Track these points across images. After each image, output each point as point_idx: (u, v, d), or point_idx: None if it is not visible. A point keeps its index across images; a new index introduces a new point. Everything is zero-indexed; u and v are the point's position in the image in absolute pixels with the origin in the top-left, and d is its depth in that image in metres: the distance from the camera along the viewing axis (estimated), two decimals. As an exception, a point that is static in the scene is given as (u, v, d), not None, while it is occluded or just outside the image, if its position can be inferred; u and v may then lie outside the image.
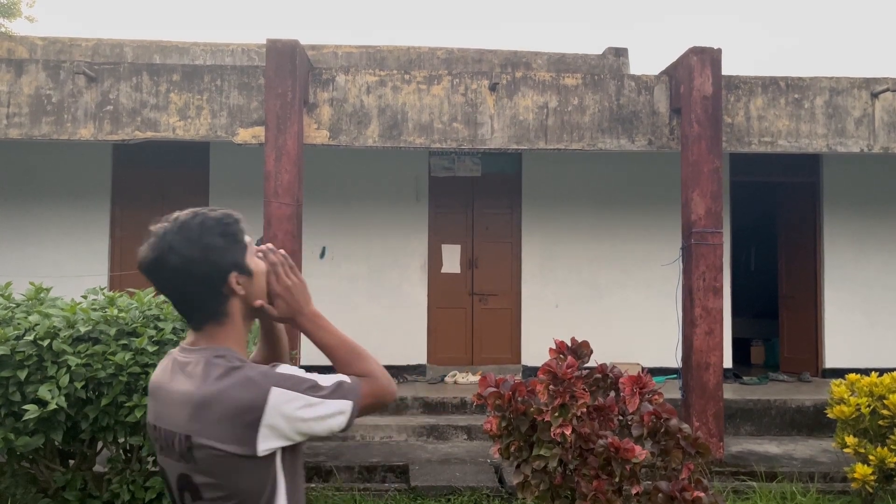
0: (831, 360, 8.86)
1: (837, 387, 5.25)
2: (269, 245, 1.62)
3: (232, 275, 1.54)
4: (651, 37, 39.95)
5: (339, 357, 1.60)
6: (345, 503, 5.47)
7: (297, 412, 1.47)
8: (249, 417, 1.43)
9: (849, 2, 38.38)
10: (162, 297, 4.31)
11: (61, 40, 9.49)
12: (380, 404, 1.59)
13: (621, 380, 3.39)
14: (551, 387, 3.27)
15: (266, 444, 1.45)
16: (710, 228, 6.52)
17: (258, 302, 1.58)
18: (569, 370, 3.26)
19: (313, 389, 1.50)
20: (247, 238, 1.59)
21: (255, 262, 1.59)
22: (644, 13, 41.78)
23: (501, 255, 8.98)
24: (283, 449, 1.51)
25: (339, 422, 1.52)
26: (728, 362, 8.29)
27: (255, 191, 7.22)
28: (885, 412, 4.95)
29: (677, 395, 6.69)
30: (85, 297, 4.26)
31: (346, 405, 1.53)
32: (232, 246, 1.55)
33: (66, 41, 9.47)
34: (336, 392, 1.52)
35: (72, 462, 4.16)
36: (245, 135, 6.78)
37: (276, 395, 1.45)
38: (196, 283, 1.52)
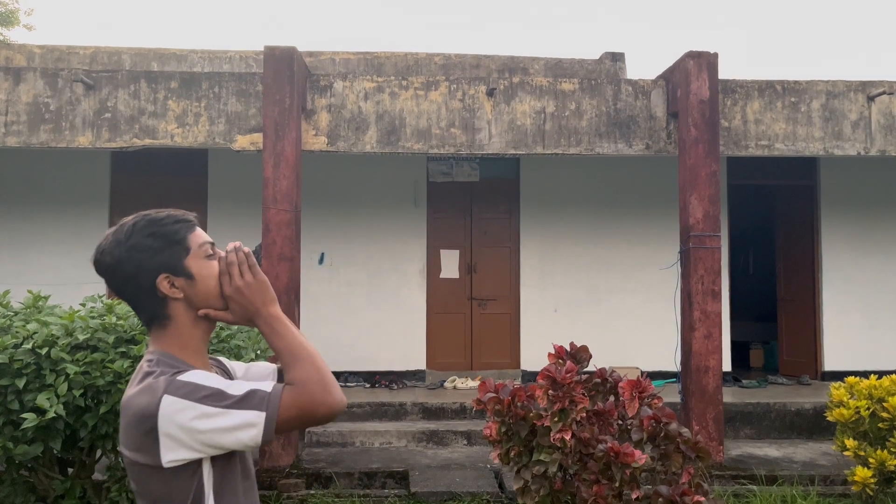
0: (830, 363, 8.86)
1: (837, 390, 5.25)
2: (236, 244, 1.54)
3: (161, 276, 1.49)
4: (650, 39, 40.05)
5: (283, 362, 1.49)
6: (345, 510, 5.46)
7: (191, 423, 1.37)
8: (146, 426, 1.38)
9: (848, 2, 38.51)
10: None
11: (59, 48, 9.50)
12: (309, 417, 1.43)
13: (621, 384, 3.39)
14: (551, 392, 3.27)
15: (171, 455, 1.39)
16: (708, 232, 6.52)
17: (202, 311, 1.52)
18: (568, 375, 3.26)
19: (213, 398, 1.39)
20: (197, 240, 1.53)
21: (201, 265, 1.52)
22: (643, 15, 41.90)
23: (500, 259, 8.99)
24: (213, 462, 1.45)
25: (249, 435, 1.39)
26: (727, 366, 8.29)
27: (253, 197, 7.23)
28: (884, 415, 4.95)
29: (677, 399, 6.69)
30: (83, 304, 4.26)
31: (256, 417, 1.39)
32: (164, 247, 1.51)
33: (63, 49, 9.48)
34: (244, 402, 1.40)
35: (71, 470, 4.15)
36: (243, 141, 6.79)
37: (167, 404, 1.38)
38: (127, 285, 1.51)
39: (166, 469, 1.40)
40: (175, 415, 1.37)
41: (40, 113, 6.75)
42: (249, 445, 1.43)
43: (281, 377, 1.60)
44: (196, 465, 1.42)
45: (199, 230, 1.56)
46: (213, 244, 1.56)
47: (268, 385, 1.43)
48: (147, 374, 1.45)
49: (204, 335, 1.56)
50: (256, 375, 1.69)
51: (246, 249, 1.54)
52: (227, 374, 1.68)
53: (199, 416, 1.38)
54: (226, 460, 1.48)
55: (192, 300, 1.52)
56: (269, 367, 1.72)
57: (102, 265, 1.52)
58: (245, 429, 1.39)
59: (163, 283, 1.50)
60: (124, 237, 1.51)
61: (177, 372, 1.43)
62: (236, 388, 1.41)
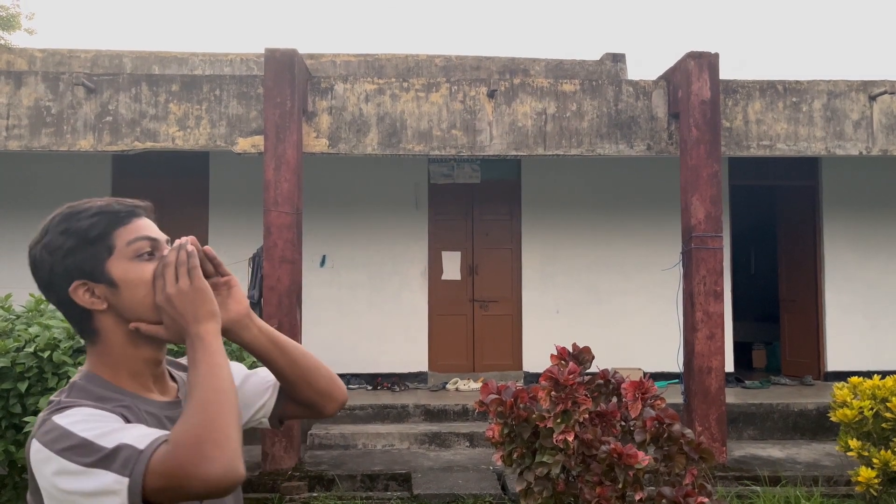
0: (833, 363, 8.84)
1: (840, 390, 5.24)
2: (183, 240, 1.24)
3: (76, 283, 1.21)
4: (651, 40, 40.08)
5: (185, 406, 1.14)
6: (347, 512, 5.45)
7: (55, 479, 1.08)
8: (29, 474, 1.14)
9: (848, 3, 38.52)
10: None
11: (60, 52, 9.51)
12: (179, 491, 1.06)
13: (623, 385, 3.38)
14: (553, 393, 3.26)
15: None
16: (710, 233, 6.52)
17: (132, 325, 1.23)
18: (570, 376, 3.25)
19: (77, 451, 1.07)
20: (126, 237, 1.23)
21: (127, 268, 1.22)
22: (642, 17, 41.93)
23: (502, 261, 8.98)
24: None
25: (171, 484, 1.05)
26: (730, 366, 8.28)
27: (254, 200, 7.23)
28: (888, 415, 4.93)
29: (679, 400, 6.67)
30: (85, 307, 4.25)
31: (117, 483, 1.05)
32: (78, 247, 1.21)
33: (65, 53, 9.50)
34: (108, 460, 1.06)
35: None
36: (244, 144, 6.79)
37: (34, 452, 1.11)
38: (46, 292, 1.27)
39: None
40: (41, 466, 1.10)
41: (42, 116, 6.75)
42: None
43: (281, 394, 1.44)
44: None
45: (136, 223, 1.25)
46: (153, 240, 1.25)
47: (149, 437, 1.09)
48: (49, 405, 1.18)
49: (148, 354, 1.27)
50: (252, 389, 1.44)
51: (190, 248, 1.23)
52: None
53: (59, 472, 1.08)
54: None
55: (121, 311, 1.23)
56: (270, 380, 1.45)
57: (29, 265, 1.27)
58: (105, 496, 1.06)
59: (77, 292, 1.22)
60: (41, 233, 1.25)
61: (60, 408, 1.15)
62: (108, 439, 1.08)
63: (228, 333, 1.30)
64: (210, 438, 1.07)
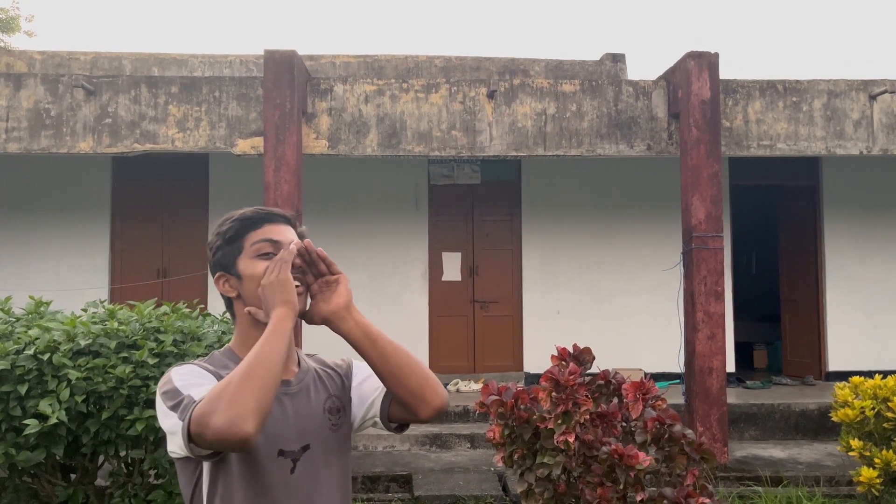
0: (834, 363, 8.83)
1: (841, 390, 5.23)
2: (293, 243, 1.47)
3: (218, 275, 1.53)
4: (651, 40, 40.08)
5: None
6: (348, 514, 5.44)
7: (158, 414, 1.39)
8: None
9: (847, 3, 38.52)
10: (162, 310, 4.31)
11: (60, 54, 9.51)
12: (202, 438, 1.27)
13: (624, 386, 3.37)
14: (554, 394, 3.25)
15: (170, 446, 1.38)
16: (711, 233, 6.51)
17: (246, 309, 1.50)
18: (571, 377, 3.24)
19: (167, 396, 1.37)
20: (252, 239, 1.50)
21: (248, 265, 1.50)
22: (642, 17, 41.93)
23: (502, 262, 8.98)
24: (209, 463, 1.41)
25: (176, 443, 1.33)
26: (731, 367, 8.26)
27: (254, 201, 7.18)
28: (889, 415, 4.92)
29: (680, 400, 6.67)
30: (85, 310, 4.25)
31: (177, 425, 1.32)
32: (222, 246, 1.52)
33: (64, 55, 9.50)
34: (178, 406, 1.34)
35: (73, 476, 4.14)
36: (244, 145, 6.79)
37: (157, 398, 1.41)
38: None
39: (181, 460, 1.42)
40: (156, 403, 1.40)
41: (41, 119, 6.75)
42: (180, 455, 1.36)
43: (388, 395, 1.56)
44: (196, 461, 1.40)
45: (265, 228, 1.51)
46: (275, 242, 1.50)
47: (201, 393, 1.33)
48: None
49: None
50: (369, 387, 1.60)
51: (291, 248, 1.45)
52: (339, 377, 1.62)
53: (160, 412, 1.38)
54: (218, 465, 1.41)
55: (245, 299, 1.50)
56: (378, 386, 1.58)
57: None
58: (173, 436, 1.34)
59: (219, 282, 1.53)
60: (210, 235, 1.57)
61: (181, 364, 1.45)
62: (188, 390, 1.35)
63: (329, 324, 1.48)
64: (226, 395, 1.26)
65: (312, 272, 1.49)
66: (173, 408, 1.34)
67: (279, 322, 1.38)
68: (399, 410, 1.55)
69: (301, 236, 1.58)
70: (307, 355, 1.66)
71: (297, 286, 1.45)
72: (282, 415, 1.48)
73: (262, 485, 1.45)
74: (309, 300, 1.52)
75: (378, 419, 1.58)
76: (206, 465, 1.42)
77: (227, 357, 1.51)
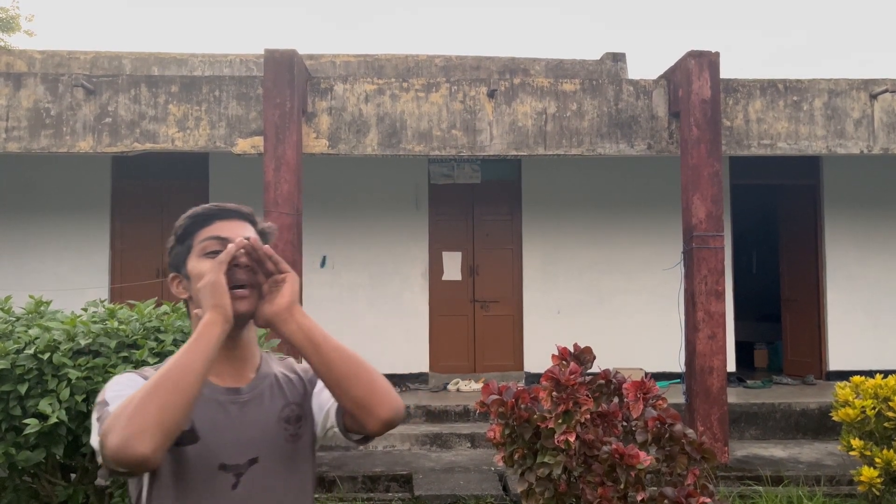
0: (835, 363, 8.82)
1: (842, 389, 5.23)
2: (243, 239, 1.37)
3: (171, 276, 1.46)
4: (652, 39, 40.06)
5: None
6: (348, 513, 5.44)
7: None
8: None
9: (848, 2, 38.49)
10: (163, 309, 4.30)
11: (59, 53, 9.51)
12: (104, 457, 1.19)
13: (625, 385, 3.36)
14: (554, 393, 3.25)
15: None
16: (711, 232, 6.50)
17: (195, 311, 1.40)
18: (572, 376, 3.24)
19: (97, 408, 1.30)
20: (201, 237, 1.43)
21: (195, 265, 1.41)
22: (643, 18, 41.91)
23: (502, 261, 8.97)
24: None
25: (101, 457, 1.22)
26: (731, 366, 8.26)
27: (254, 201, 7.21)
28: (890, 414, 4.92)
29: (681, 399, 6.66)
30: (85, 309, 4.25)
31: (96, 441, 1.24)
32: (175, 245, 1.46)
33: (64, 54, 9.49)
34: (100, 420, 1.26)
35: (73, 476, 4.13)
36: (244, 145, 6.78)
37: None
38: None
39: None
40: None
41: (41, 118, 6.75)
42: (108, 471, 1.25)
43: (338, 412, 1.45)
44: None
45: (215, 225, 1.44)
46: (223, 240, 1.41)
47: (117, 405, 1.24)
48: None
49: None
50: (327, 395, 1.47)
51: (231, 247, 1.36)
52: (301, 383, 1.52)
53: (92, 422, 1.32)
54: (153, 480, 1.35)
55: (195, 300, 1.41)
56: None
57: None
58: (98, 448, 1.24)
59: (172, 283, 1.46)
60: None
61: (127, 371, 1.43)
62: (114, 402, 1.26)
63: (271, 325, 1.37)
64: (126, 411, 1.18)
65: (262, 271, 1.38)
66: (98, 420, 1.27)
67: (204, 328, 1.29)
68: (350, 421, 1.43)
69: (263, 234, 1.51)
70: (279, 359, 1.58)
71: (243, 287, 1.36)
72: (227, 425, 1.40)
73: (198, 502, 1.37)
74: None
75: (336, 430, 1.46)
76: (145, 480, 1.35)
77: None
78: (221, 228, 1.43)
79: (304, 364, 1.50)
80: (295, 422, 1.47)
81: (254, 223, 1.49)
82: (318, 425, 1.50)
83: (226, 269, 1.33)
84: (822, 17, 40.50)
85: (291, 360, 1.59)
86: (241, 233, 1.43)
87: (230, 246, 1.35)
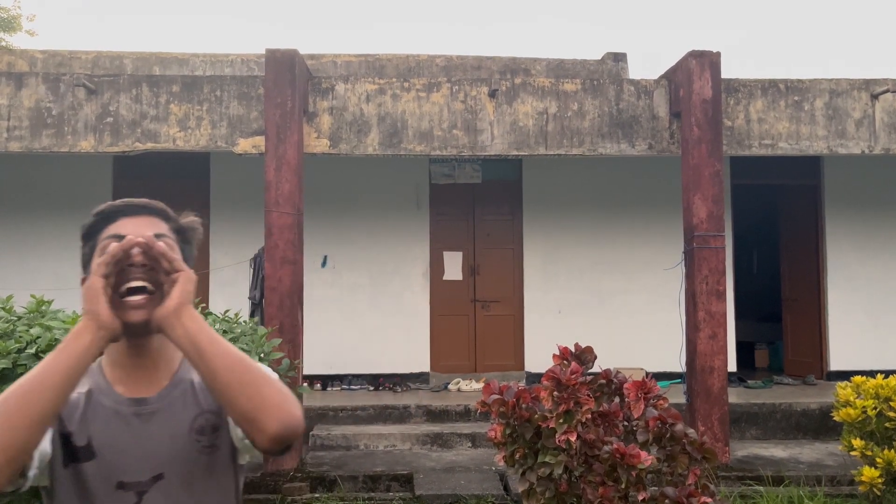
0: (836, 363, 8.82)
1: (843, 389, 5.23)
2: (133, 238, 1.26)
3: (81, 277, 1.33)
4: (653, 39, 40.05)
5: None
6: (349, 513, 5.44)
7: None
8: None
9: (848, 2, 38.47)
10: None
11: (61, 53, 9.51)
12: None
13: (626, 385, 3.36)
14: (555, 393, 3.25)
15: None
16: (712, 232, 6.50)
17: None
18: (573, 376, 3.24)
19: None
20: (104, 235, 1.32)
21: (94, 265, 1.28)
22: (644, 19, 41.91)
23: (503, 261, 8.97)
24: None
25: None
26: (732, 366, 8.25)
27: (256, 200, 7.22)
28: (891, 414, 4.92)
29: (682, 399, 6.66)
30: (86, 309, 4.24)
31: None
32: (82, 245, 1.36)
33: (65, 54, 9.50)
34: None
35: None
36: (245, 145, 6.79)
37: None
38: None
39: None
40: None
41: (42, 118, 6.75)
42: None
43: None
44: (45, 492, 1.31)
45: (119, 222, 1.33)
46: (119, 238, 1.28)
47: None
48: None
49: (122, 345, 1.32)
50: None
51: (117, 247, 1.24)
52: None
53: None
54: (49, 498, 1.30)
55: None
56: None
57: None
58: None
59: (82, 286, 1.28)
60: None
61: None
62: None
63: (162, 330, 1.25)
64: None
65: (162, 271, 1.26)
66: None
67: (70, 339, 1.18)
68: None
69: (183, 230, 1.40)
70: None
71: (141, 291, 1.25)
72: (128, 440, 1.30)
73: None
74: None
75: (246, 441, 1.29)
76: (44, 497, 1.29)
77: (92, 371, 1.32)
78: (124, 226, 1.32)
79: None
80: (210, 432, 1.34)
81: (168, 219, 1.38)
82: (234, 435, 1.35)
83: (105, 270, 1.22)
84: (821, 17, 40.48)
85: None
86: (145, 230, 1.31)
87: (112, 246, 1.25)
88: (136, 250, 1.24)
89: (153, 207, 1.38)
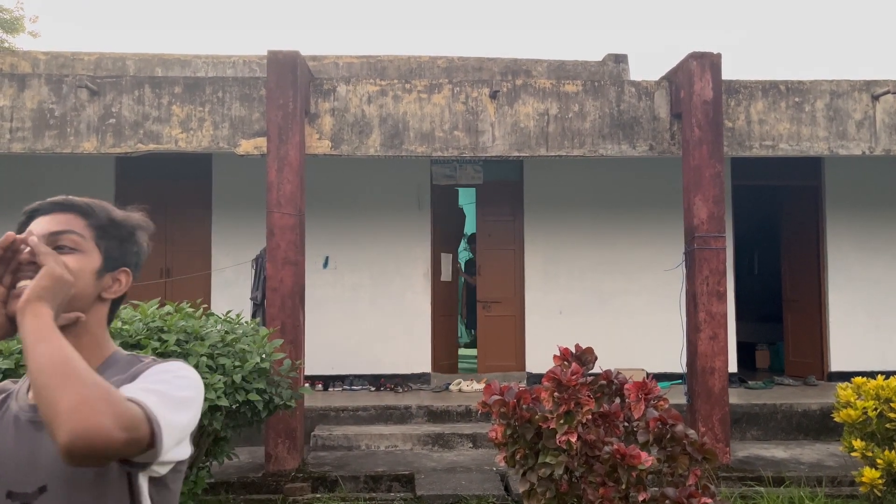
0: (837, 364, 8.82)
1: (844, 390, 5.23)
2: (10, 234, 1.24)
3: None
4: (653, 41, 40.06)
5: None
6: (351, 513, 5.46)
7: None
8: None
9: (849, 2, 38.46)
10: (166, 309, 4.32)
11: (63, 54, 9.53)
12: None
13: (626, 386, 3.38)
14: (556, 394, 3.26)
15: None
16: (713, 233, 6.51)
17: None
18: (573, 377, 3.25)
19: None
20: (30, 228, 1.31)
21: None
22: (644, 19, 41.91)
23: (504, 262, 8.98)
24: None
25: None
26: (733, 367, 8.26)
27: (257, 201, 7.24)
28: (892, 415, 4.93)
29: (683, 400, 6.66)
30: (89, 309, 4.26)
31: None
32: None
33: (68, 55, 9.52)
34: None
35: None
36: (247, 146, 6.80)
37: None
38: None
39: None
40: None
41: (45, 119, 6.77)
42: None
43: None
44: None
45: (35, 221, 1.32)
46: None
47: None
48: None
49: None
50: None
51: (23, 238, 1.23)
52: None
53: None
54: None
55: None
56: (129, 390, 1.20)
57: None
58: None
59: None
60: None
61: None
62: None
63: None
64: None
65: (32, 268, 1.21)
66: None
67: None
68: None
69: (110, 227, 1.36)
70: (139, 361, 1.35)
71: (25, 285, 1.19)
72: (16, 447, 1.23)
73: None
74: None
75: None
76: None
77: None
78: (36, 224, 1.31)
79: (152, 367, 1.30)
80: None
81: (87, 215, 1.34)
82: None
83: None
84: (822, 17, 40.45)
85: (148, 364, 1.33)
86: (51, 227, 1.29)
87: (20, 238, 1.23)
88: (26, 249, 1.22)
89: (70, 204, 1.35)
